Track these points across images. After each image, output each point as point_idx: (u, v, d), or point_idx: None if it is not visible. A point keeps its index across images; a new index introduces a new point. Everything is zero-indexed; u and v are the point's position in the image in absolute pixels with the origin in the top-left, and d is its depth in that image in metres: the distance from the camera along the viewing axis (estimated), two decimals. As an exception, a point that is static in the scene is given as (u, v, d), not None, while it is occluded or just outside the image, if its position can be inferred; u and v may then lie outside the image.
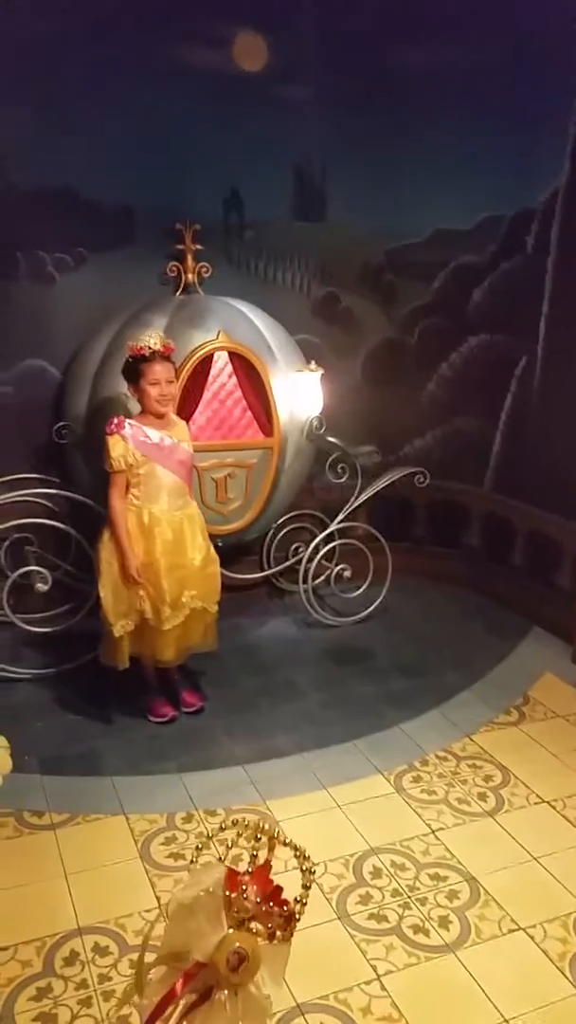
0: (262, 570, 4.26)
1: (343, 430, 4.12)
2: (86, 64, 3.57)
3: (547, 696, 3.56)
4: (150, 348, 3.02)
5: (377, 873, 2.54)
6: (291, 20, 3.85)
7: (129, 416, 3.11)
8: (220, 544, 3.76)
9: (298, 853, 1.48)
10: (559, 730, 3.31)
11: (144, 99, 3.67)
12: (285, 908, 1.45)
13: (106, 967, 2.19)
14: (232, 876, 1.46)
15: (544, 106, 3.86)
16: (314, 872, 1.48)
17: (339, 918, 2.37)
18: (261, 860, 1.50)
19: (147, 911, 2.38)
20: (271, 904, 1.45)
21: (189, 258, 3.90)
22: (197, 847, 1.63)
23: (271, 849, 1.51)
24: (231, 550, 4.00)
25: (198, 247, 3.90)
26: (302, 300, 4.31)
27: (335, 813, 2.81)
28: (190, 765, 3.05)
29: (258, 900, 1.45)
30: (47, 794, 2.87)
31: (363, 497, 4.22)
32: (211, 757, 3.10)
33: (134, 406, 3.19)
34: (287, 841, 1.50)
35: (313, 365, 3.85)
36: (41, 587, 3.56)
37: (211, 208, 4.01)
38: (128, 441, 3.01)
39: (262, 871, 1.49)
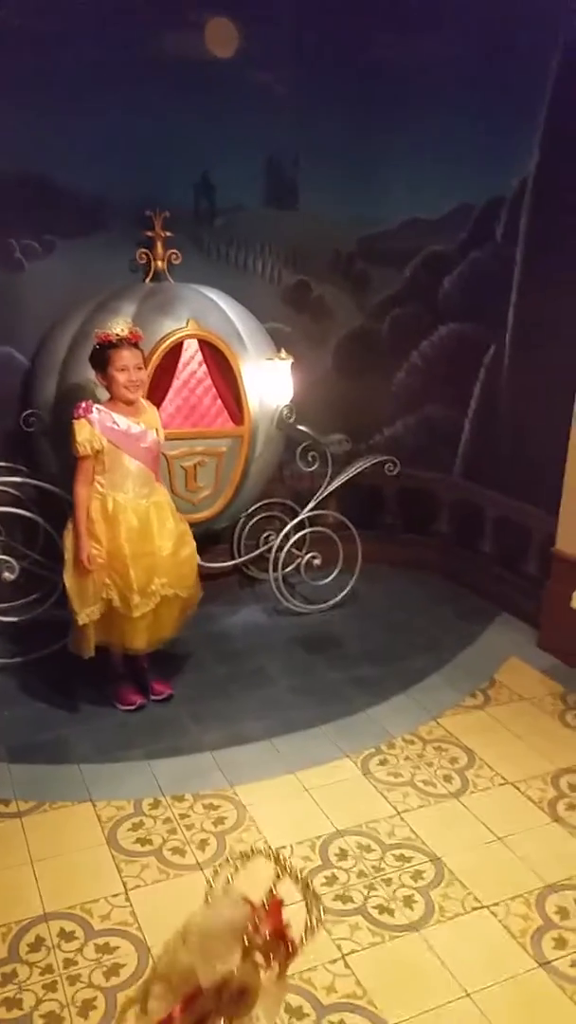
0: (232, 558, 4.27)
1: (313, 418, 4.13)
2: (58, 52, 3.53)
3: (513, 680, 3.61)
4: (117, 335, 3.02)
5: (343, 855, 2.57)
6: (264, 7, 3.83)
7: (98, 402, 3.10)
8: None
9: (308, 891, 1.48)
10: (524, 713, 3.36)
11: (116, 85, 3.63)
12: (291, 947, 1.44)
13: (71, 952, 2.20)
14: (252, 910, 1.45)
15: (515, 96, 3.88)
16: (322, 915, 1.48)
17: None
18: (276, 893, 1.48)
19: (113, 896, 2.39)
20: (279, 940, 1.44)
21: (159, 245, 3.88)
22: (215, 870, 1.61)
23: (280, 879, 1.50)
24: (201, 538, 3.97)
25: (168, 234, 3.89)
26: (273, 288, 4.30)
27: (302, 797, 2.84)
28: (158, 752, 3.05)
29: (268, 935, 1.44)
30: (14, 782, 2.86)
31: (333, 485, 4.24)
32: (179, 744, 3.11)
33: (103, 394, 3.18)
34: (300, 877, 1.50)
35: (283, 353, 3.85)
36: (8, 576, 3.54)
37: (182, 195, 3.99)
38: (95, 426, 3.00)
39: (276, 906, 1.48)
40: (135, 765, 2.98)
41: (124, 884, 2.44)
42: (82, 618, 3.05)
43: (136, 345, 3.09)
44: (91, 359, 3.10)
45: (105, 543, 3.04)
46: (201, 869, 2.49)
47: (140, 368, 3.09)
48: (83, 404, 3.02)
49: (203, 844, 2.60)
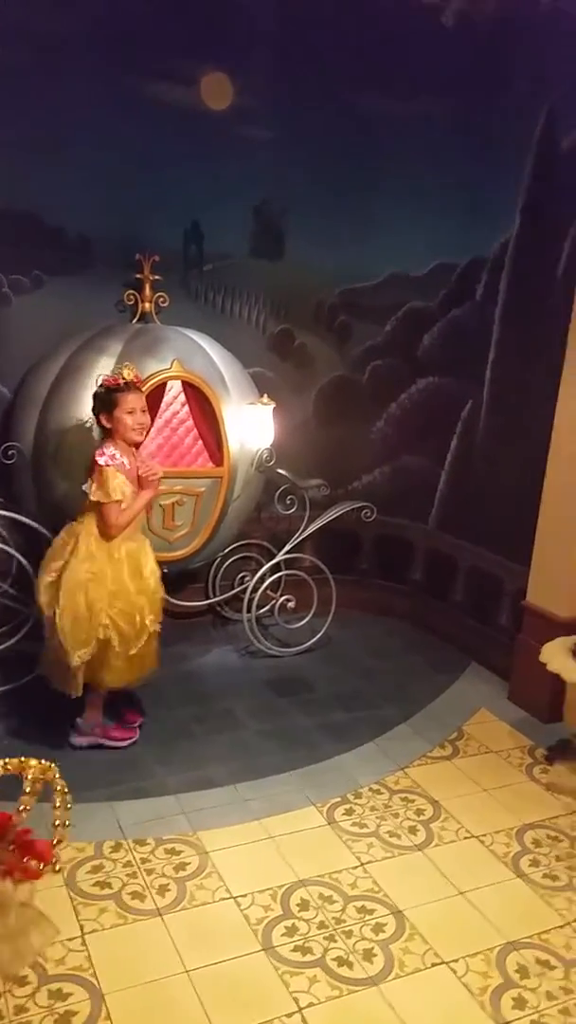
0: (207, 598, 4.27)
1: (293, 463, 4.18)
2: (54, 93, 3.63)
3: (481, 732, 3.62)
4: (124, 378, 3.08)
5: (304, 905, 2.54)
6: (253, 62, 3.97)
7: (105, 446, 3.09)
8: (166, 571, 3.78)
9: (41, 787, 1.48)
10: (491, 766, 3.36)
11: (111, 130, 3.73)
12: (9, 840, 1.44)
13: (23, 998, 2.14)
14: None
15: (499, 158, 4.04)
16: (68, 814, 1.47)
17: (264, 950, 2.36)
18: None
19: (69, 940, 2.34)
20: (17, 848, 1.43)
21: (147, 287, 3.95)
22: None
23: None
24: (177, 577, 4.00)
25: (156, 277, 3.96)
26: (257, 335, 4.39)
27: (266, 844, 2.81)
28: (121, 793, 3.01)
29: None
30: (-27, 820, 2.80)
31: (310, 529, 4.27)
32: (143, 786, 3.07)
33: (96, 432, 3.22)
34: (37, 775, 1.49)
35: (266, 398, 3.91)
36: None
37: (172, 240, 4.08)
38: (123, 473, 3.04)
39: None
40: (97, 807, 2.93)
41: (81, 927, 2.39)
42: (75, 660, 3.02)
43: (140, 389, 3.16)
44: (98, 402, 3.12)
45: (110, 584, 3.05)
46: (160, 915, 2.45)
47: (145, 411, 3.16)
48: (106, 451, 3.02)
49: (163, 890, 2.56)
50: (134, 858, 2.69)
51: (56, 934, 1.55)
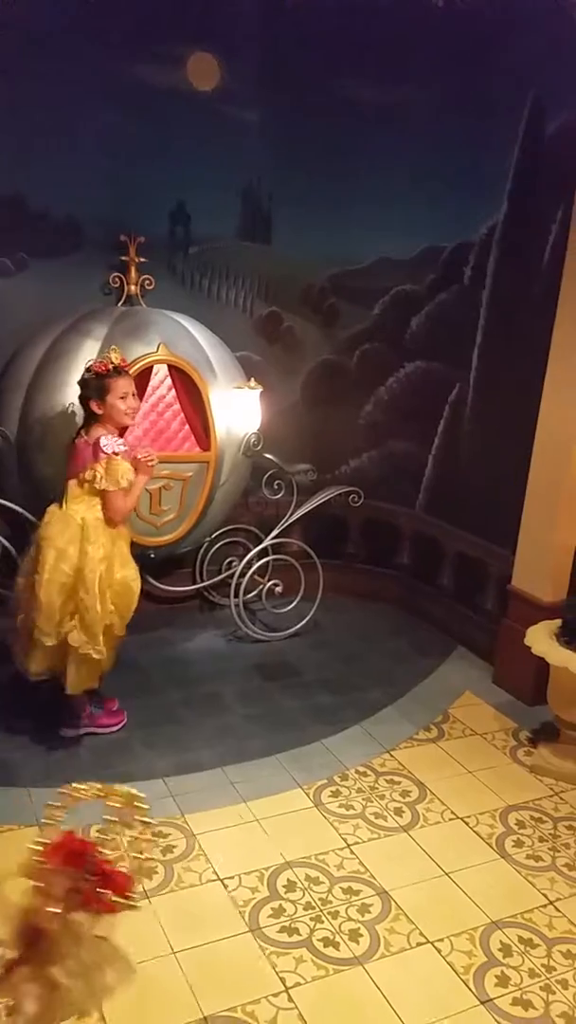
0: (194, 583, 4.27)
1: (280, 447, 4.17)
2: (40, 77, 3.57)
3: (466, 714, 3.65)
4: (112, 363, 3.05)
5: (291, 887, 2.57)
6: (241, 45, 3.92)
7: (101, 434, 3.06)
8: (153, 556, 3.78)
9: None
10: (476, 748, 3.40)
11: (97, 113, 3.69)
12: (88, 869, 1.36)
13: (11, 981, 2.15)
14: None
15: (486, 143, 4.01)
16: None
17: (251, 931, 2.38)
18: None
19: (57, 924, 2.35)
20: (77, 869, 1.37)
21: (132, 270, 3.92)
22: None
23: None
24: (164, 562, 4.00)
25: (142, 259, 3.92)
26: (244, 318, 4.36)
27: (253, 827, 2.83)
28: (109, 777, 2.96)
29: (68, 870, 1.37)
30: (-40, 804, 2.81)
31: (298, 514, 4.27)
32: (131, 770, 3.08)
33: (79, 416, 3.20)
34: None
35: (253, 382, 3.90)
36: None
37: (158, 223, 4.04)
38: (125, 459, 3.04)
39: (64, 844, 1.40)
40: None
41: (68, 912, 2.40)
42: (96, 653, 3.02)
43: (128, 373, 3.14)
44: (88, 389, 3.07)
45: (117, 574, 3.07)
46: (148, 898, 2.47)
47: (136, 395, 3.14)
48: (105, 439, 2.99)
49: (151, 873, 2.58)
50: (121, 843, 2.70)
51: (133, 973, 1.47)
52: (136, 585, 3.14)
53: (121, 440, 3.05)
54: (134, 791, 1.45)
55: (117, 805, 1.42)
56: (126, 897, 1.37)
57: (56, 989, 1.34)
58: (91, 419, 3.09)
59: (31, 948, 1.34)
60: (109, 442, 2.99)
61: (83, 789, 1.43)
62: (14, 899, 1.35)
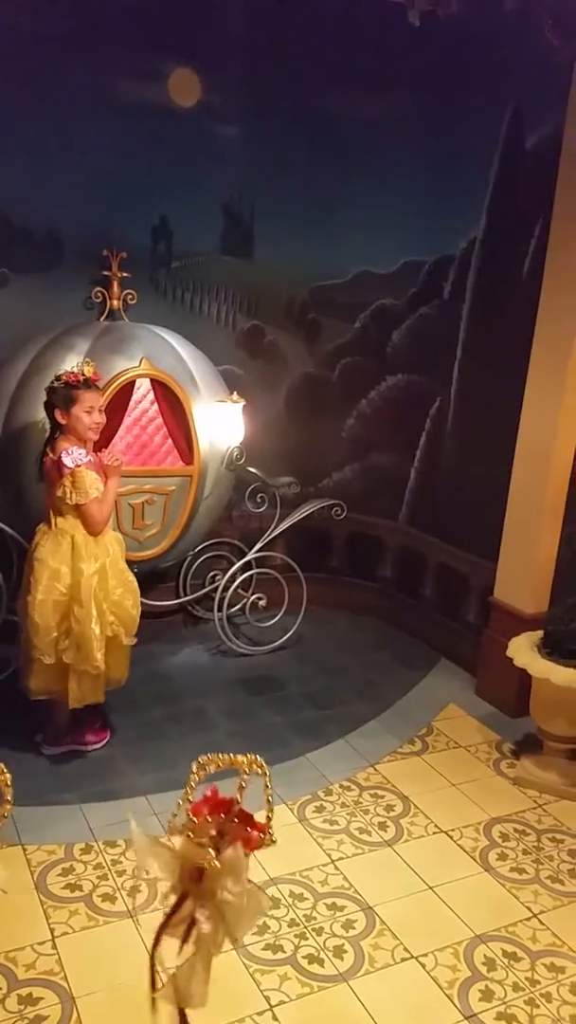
0: (178, 597, 4.26)
1: (263, 461, 4.18)
2: (21, 91, 3.58)
3: (450, 727, 3.66)
4: (83, 375, 3.05)
5: (275, 903, 2.55)
6: (221, 61, 3.95)
7: (64, 447, 3.05)
8: (136, 570, 3.76)
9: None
10: (460, 761, 3.41)
11: (79, 127, 3.70)
12: (233, 815, 1.66)
13: (-8, 1004, 2.13)
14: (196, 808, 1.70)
15: (465, 157, 4.06)
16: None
17: (234, 949, 2.37)
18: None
19: (40, 944, 2.33)
20: (223, 816, 1.68)
21: (115, 284, 3.92)
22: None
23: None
24: (147, 576, 3.98)
25: (124, 274, 3.93)
26: (227, 332, 4.37)
27: (237, 843, 2.82)
28: (92, 795, 3.00)
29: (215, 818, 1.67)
30: None
31: (281, 527, 4.28)
32: (114, 787, 3.06)
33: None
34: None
35: (235, 396, 3.91)
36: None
37: (140, 238, 4.05)
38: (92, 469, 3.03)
39: (211, 798, 1.71)
40: (68, 809, 2.92)
41: (52, 931, 2.38)
42: (100, 662, 3.03)
43: (97, 386, 3.13)
44: (56, 398, 3.06)
45: (113, 582, 3.10)
46: (132, 916, 2.45)
47: (102, 411, 3.14)
48: (70, 451, 2.98)
49: (134, 891, 2.56)
50: (104, 860, 2.69)
51: (269, 905, 1.81)
52: (134, 590, 3.16)
53: (83, 451, 3.02)
54: (253, 756, 1.77)
55: (244, 768, 1.73)
56: (266, 833, 1.70)
57: (220, 915, 1.63)
58: (55, 431, 3.09)
59: (195, 884, 1.63)
60: (69, 456, 2.98)
61: (214, 759, 1.75)
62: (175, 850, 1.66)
